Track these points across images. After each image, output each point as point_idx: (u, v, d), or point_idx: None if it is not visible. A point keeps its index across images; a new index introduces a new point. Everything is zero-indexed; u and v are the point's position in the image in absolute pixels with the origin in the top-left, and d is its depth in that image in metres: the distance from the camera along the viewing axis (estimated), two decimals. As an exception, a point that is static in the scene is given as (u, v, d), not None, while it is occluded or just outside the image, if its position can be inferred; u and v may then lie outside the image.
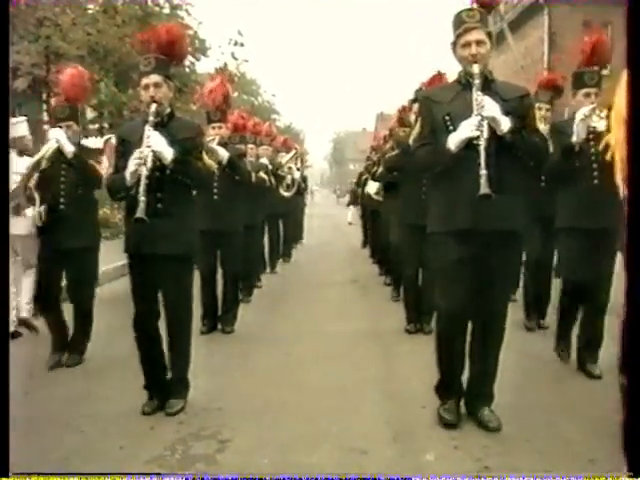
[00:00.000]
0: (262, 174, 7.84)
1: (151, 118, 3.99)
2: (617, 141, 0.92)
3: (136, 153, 3.90)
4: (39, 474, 1.90)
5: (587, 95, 4.92)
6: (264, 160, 9.08)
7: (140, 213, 3.82)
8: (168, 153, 3.95)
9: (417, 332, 6.19)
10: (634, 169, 0.78)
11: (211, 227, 6.03)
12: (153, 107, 3.99)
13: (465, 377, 3.96)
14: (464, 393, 3.96)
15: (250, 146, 8.56)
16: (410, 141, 5.11)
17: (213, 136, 6.13)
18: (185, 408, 4.13)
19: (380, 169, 8.16)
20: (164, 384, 4.21)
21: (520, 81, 5.21)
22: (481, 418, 3.82)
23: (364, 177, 11.36)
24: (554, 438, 3.66)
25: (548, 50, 21.16)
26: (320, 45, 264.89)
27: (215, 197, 6.13)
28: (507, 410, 3.88)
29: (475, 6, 3.83)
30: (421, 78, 6.12)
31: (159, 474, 3.09)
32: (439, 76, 5.80)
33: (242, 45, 24.09)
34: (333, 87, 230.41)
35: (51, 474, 1.71)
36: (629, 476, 0.78)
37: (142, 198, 3.84)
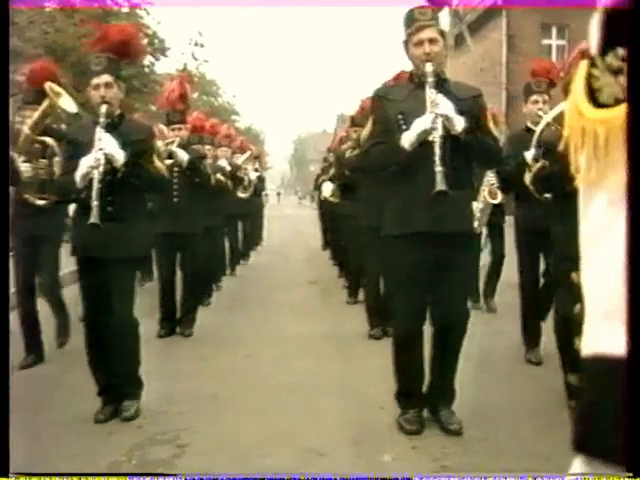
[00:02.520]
0: (220, 176, 7.81)
1: (102, 119, 3.92)
2: (571, 130, 0.96)
3: (89, 156, 3.85)
4: (39, 474, 1.89)
5: (535, 102, 5.03)
6: (222, 162, 9.06)
7: (94, 218, 3.76)
8: (120, 156, 3.90)
9: (383, 337, 5.99)
10: (634, 169, 0.82)
11: (170, 229, 6.03)
12: (104, 108, 3.93)
13: (426, 380, 3.95)
14: (425, 397, 3.94)
15: (208, 147, 8.54)
16: (362, 140, 5.12)
17: (173, 138, 6.11)
18: (140, 409, 4.10)
19: (333, 170, 8.21)
20: (116, 388, 4.14)
21: (480, 83, 5.30)
22: (442, 420, 3.82)
23: (321, 179, 11.39)
24: (511, 437, 3.71)
25: (507, 52, 21.48)
26: (282, 46, 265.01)
27: (175, 199, 6.10)
28: (465, 409, 3.92)
29: (427, 4, 3.80)
30: (383, 78, 6.12)
31: (159, 474, 3.09)
32: (404, 74, 5.76)
33: (202, 46, 24.08)
34: (294, 88, 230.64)
35: (51, 474, 1.71)
36: (629, 476, 0.81)
37: (95, 202, 3.77)
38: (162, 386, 4.48)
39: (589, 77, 0.93)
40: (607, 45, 0.90)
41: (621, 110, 0.87)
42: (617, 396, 0.89)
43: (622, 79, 0.88)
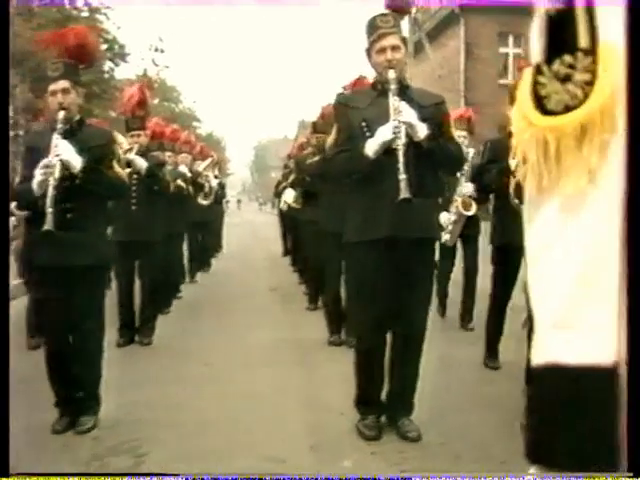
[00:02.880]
0: (180, 182, 7.75)
1: (59, 125, 3.87)
2: (520, 138, 0.94)
3: (43, 162, 3.78)
4: (39, 474, 1.86)
5: None
6: (183, 168, 9.00)
7: (48, 225, 3.67)
8: (77, 162, 3.83)
9: (341, 344, 6.02)
10: (633, 168, 0.81)
11: (129, 237, 5.97)
12: (61, 114, 3.88)
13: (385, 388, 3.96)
14: (384, 404, 3.95)
15: (169, 154, 8.47)
16: (327, 147, 5.11)
17: (132, 144, 6.04)
18: (97, 425, 4.04)
19: (293, 176, 8.16)
20: (75, 401, 4.07)
21: (438, 90, 5.32)
22: (401, 428, 3.82)
23: (282, 185, 11.37)
24: (469, 440, 3.75)
25: (464, 60, 21.69)
26: (243, 52, 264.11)
27: (133, 207, 6.02)
28: (423, 414, 3.95)
29: (389, 12, 3.81)
30: (343, 83, 6.08)
31: (159, 474, 3.05)
32: (361, 79, 5.67)
33: (162, 51, 23.88)
34: (256, 95, 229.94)
35: (51, 474, 1.68)
36: (629, 476, 0.81)
37: (50, 209, 3.69)
38: (120, 396, 4.42)
39: (535, 84, 0.92)
40: (553, 52, 0.89)
41: (572, 117, 0.86)
42: (569, 404, 0.90)
43: (571, 86, 0.87)
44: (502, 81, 19.61)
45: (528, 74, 0.93)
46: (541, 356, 0.93)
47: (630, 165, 0.81)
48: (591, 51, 0.85)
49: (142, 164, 5.98)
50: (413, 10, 17.54)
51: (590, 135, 0.85)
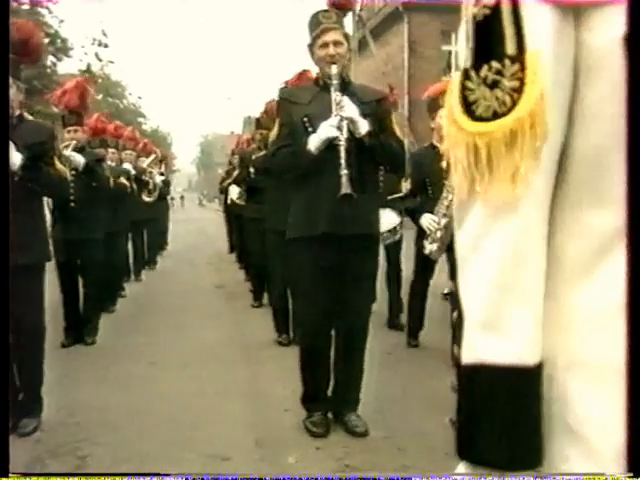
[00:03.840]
0: (123, 179, 7.63)
1: None
2: (451, 143, 0.95)
3: None
4: (39, 474, 1.82)
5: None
6: (127, 165, 8.89)
7: None
8: (16, 159, 3.74)
9: (290, 344, 5.87)
10: (633, 168, 0.82)
11: (69, 235, 5.85)
12: None
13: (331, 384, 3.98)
14: (330, 400, 3.96)
15: (112, 150, 8.37)
16: (269, 143, 5.10)
17: (69, 141, 5.91)
18: (39, 427, 3.96)
19: (237, 172, 8.11)
20: (16, 404, 3.96)
21: (382, 87, 5.34)
22: (347, 423, 3.85)
23: (226, 182, 11.31)
24: (413, 434, 3.80)
25: (408, 57, 21.91)
26: (190, 46, 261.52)
27: (72, 204, 5.86)
28: (367, 408, 3.99)
29: (331, 8, 3.83)
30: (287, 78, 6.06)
31: (159, 474, 2.99)
32: (305, 73, 5.72)
33: (106, 46, 23.50)
34: (202, 90, 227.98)
35: (51, 474, 1.64)
36: (629, 476, 0.82)
37: None
38: (62, 397, 4.35)
39: (464, 90, 0.93)
40: (480, 58, 0.91)
41: (502, 123, 0.88)
42: (497, 404, 0.92)
43: (499, 93, 0.88)
44: (445, 78, 19.81)
45: (456, 78, 0.94)
46: (469, 355, 0.96)
47: (630, 168, 0.84)
48: (518, 58, 0.87)
49: (79, 160, 5.82)
50: (357, 8, 17.64)
51: (520, 141, 0.87)
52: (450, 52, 21.78)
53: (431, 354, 5.41)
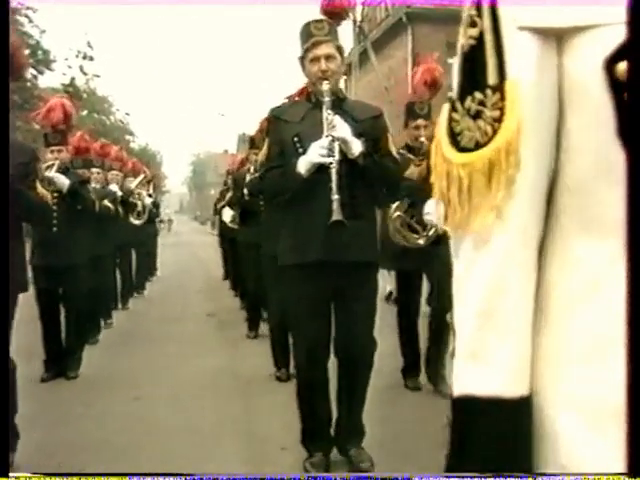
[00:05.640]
0: (107, 202, 7.57)
1: None
2: (437, 175, 1.00)
3: None
4: (39, 474, 1.82)
5: (417, 128, 5.20)
6: (113, 186, 8.88)
7: None
8: None
9: (289, 379, 5.61)
10: (633, 168, 0.85)
11: (50, 262, 5.81)
12: None
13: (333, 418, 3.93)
14: (333, 439, 3.90)
15: (97, 171, 8.35)
16: (258, 163, 5.06)
17: (52, 161, 5.86)
18: (13, 463, 3.87)
19: (230, 194, 8.07)
20: None
21: (386, 102, 5.38)
22: (352, 460, 3.80)
23: (220, 204, 11.31)
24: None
25: (412, 71, 22.06)
26: (181, 61, 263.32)
27: (54, 229, 5.83)
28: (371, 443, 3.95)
29: (324, 18, 3.80)
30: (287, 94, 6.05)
31: (159, 474, 2.97)
32: (306, 89, 5.70)
33: (92, 59, 23.58)
34: (193, 106, 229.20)
35: (51, 474, 1.64)
36: (629, 476, 0.84)
37: None
38: (41, 435, 4.32)
39: (450, 121, 0.97)
40: (465, 89, 0.95)
41: (481, 154, 0.92)
42: (480, 437, 0.94)
43: (482, 123, 0.92)
44: (451, 94, 19.93)
45: (445, 110, 0.99)
46: (456, 387, 0.99)
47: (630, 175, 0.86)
48: (499, 87, 0.90)
49: (63, 182, 5.80)
50: (358, 18, 17.75)
51: (497, 171, 0.91)
52: (456, 65, 21.94)
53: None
